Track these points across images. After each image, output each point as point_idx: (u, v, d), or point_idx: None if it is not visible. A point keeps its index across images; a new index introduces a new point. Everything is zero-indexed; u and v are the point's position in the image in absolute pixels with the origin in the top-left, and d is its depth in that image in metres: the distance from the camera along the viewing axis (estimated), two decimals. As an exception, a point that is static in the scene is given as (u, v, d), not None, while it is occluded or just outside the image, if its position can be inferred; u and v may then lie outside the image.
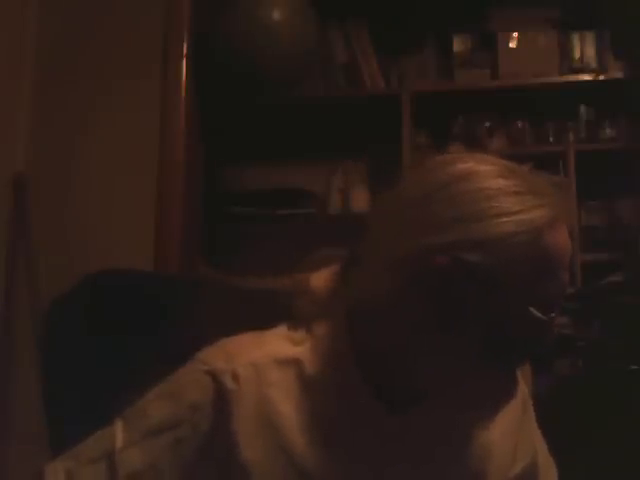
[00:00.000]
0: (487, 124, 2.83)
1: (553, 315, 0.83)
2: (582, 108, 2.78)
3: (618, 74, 2.72)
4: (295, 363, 0.88)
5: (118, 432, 0.88)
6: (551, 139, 2.80)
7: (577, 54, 2.79)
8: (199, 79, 2.44)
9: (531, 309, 0.80)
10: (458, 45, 2.86)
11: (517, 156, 3.01)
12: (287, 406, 0.86)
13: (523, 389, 1.01)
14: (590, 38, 2.80)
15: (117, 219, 2.24)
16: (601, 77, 2.71)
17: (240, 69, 2.51)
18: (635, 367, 1.97)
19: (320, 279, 0.93)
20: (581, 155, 2.66)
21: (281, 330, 0.93)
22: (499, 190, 0.80)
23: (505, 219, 0.79)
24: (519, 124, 2.82)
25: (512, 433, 0.97)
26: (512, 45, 2.81)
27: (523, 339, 0.83)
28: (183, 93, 2.33)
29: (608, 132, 2.75)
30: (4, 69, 2.18)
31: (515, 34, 2.80)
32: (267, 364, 0.88)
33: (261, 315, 1.00)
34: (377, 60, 2.84)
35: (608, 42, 2.78)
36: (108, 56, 2.31)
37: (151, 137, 2.27)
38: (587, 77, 2.73)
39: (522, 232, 0.78)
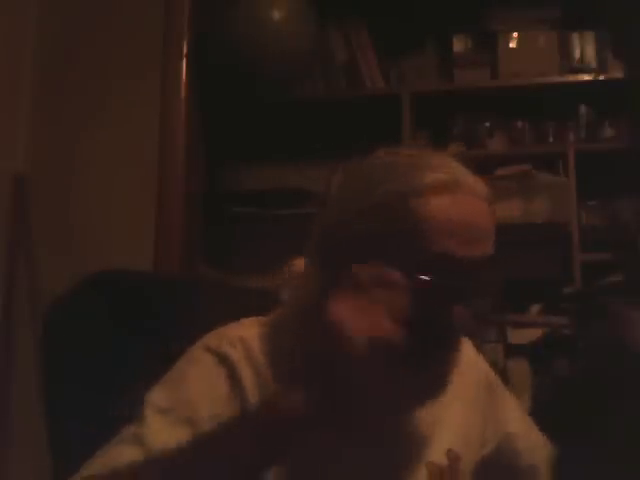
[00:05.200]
0: (487, 124, 2.83)
1: (428, 279, 0.82)
2: (582, 108, 2.78)
3: (618, 74, 2.71)
4: (267, 340, 0.95)
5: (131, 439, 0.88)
6: (551, 139, 2.80)
7: (577, 54, 2.79)
8: (199, 79, 2.44)
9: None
10: (458, 45, 2.86)
11: (517, 156, 3.04)
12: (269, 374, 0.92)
13: (486, 372, 1.09)
14: (590, 38, 2.79)
15: (117, 219, 2.24)
16: (601, 77, 2.71)
17: (240, 69, 2.51)
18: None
19: None
20: (581, 155, 2.66)
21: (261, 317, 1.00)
22: (389, 164, 0.89)
23: (379, 188, 0.86)
24: (519, 124, 2.82)
25: (472, 414, 1.03)
26: (512, 45, 2.81)
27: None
28: (183, 93, 2.33)
29: (608, 132, 2.75)
30: (4, 69, 2.18)
31: (515, 34, 2.80)
32: (251, 338, 0.94)
33: (260, 315, 1.00)
34: (377, 60, 2.84)
35: (608, 42, 2.78)
36: (108, 56, 2.31)
37: (151, 137, 2.27)
38: (587, 77, 2.72)
39: (390, 200, 0.85)
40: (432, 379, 0.89)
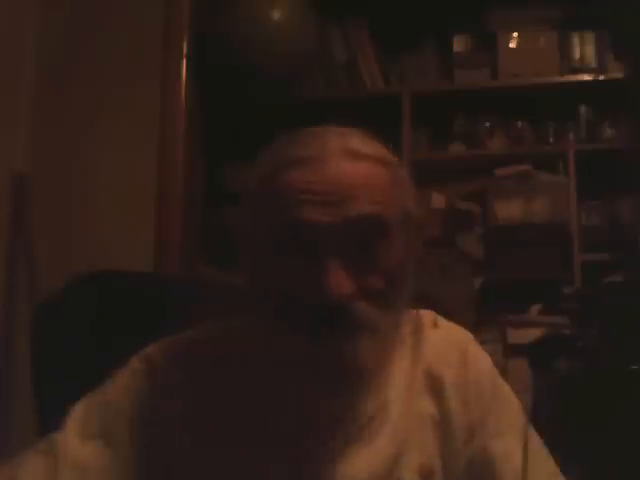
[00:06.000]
0: (487, 124, 2.83)
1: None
2: (582, 108, 2.79)
3: (618, 74, 2.72)
4: (211, 342, 0.93)
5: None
6: (551, 139, 2.81)
7: (577, 54, 2.80)
8: (199, 79, 2.44)
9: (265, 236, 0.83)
10: (458, 45, 2.87)
11: (517, 156, 3.05)
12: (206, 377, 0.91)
13: (479, 376, 0.95)
14: (590, 38, 2.80)
15: (117, 219, 2.24)
16: (601, 77, 2.72)
17: (240, 69, 2.51)
18: (635, 367, 1.97)
19: None
20: (581, 155, 2.66)
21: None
22: (282, 142, 0.91)
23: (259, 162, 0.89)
24: (519, 124, 2.83)
25: (452, 419, 0.91)
26: (512, 45, 2.82)
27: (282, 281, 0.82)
28: (183, 93, 2.33)
29: (608, 132, 2.76)
30: (4, 69, 2.18)
31: (515, 34, 2.81)
32: (196, 342, 0.94)
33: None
34: (377, 60, 2.84)
35: (608, 42, 2.78)
36: (108, 56, 2.31)
37: (151, 137, 2.27)
38: (587, 77, 2.73)
39: (262, 173, 0.87)
40: (327, 360, 0.81)
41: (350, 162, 0.84)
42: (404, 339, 0.94)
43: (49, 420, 1.03)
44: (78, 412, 0.89)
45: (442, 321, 0.99)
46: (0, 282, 2.14)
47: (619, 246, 2.61)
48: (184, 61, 2.34)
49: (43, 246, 2.20)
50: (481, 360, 0.96)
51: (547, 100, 2.76)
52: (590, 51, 2.79)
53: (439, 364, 0.94)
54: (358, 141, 0.88)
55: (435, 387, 0.92)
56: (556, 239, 2.63)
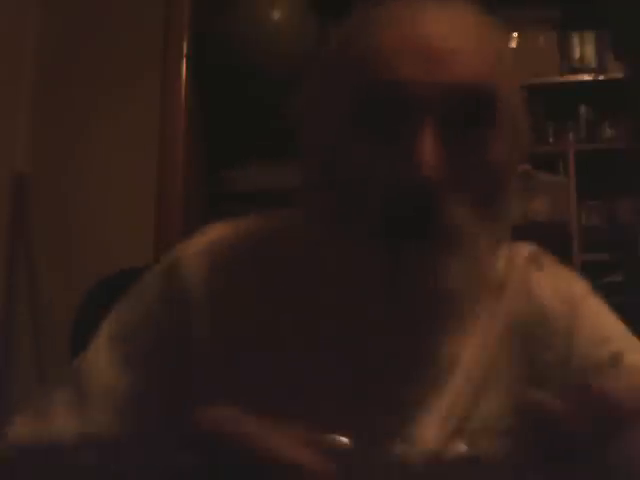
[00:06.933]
0: (487, 124, 2.83)
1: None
2: (582, 108, 2.79)
3: (618, 74, 2.72)
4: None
5: None
6: (551, 139, 2.81)
7: (577, 54, 2.80)
8: (199, 79, 2.44)
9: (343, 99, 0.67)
10: (458, 45, 2.87)
11: (517, 156, 3.01)
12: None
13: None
14: (590, 38, 2.80)
15: (117, 219, 2.24)
16: (601, 77, 2.72)
17: (240, 69, 2.51)
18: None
19: None
20: (581, 155, 2.66)
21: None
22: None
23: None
24: (519, 124, 2.83)
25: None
26: (512, 45, 2.82)
27: (360, 169, 0.65)
28: (183, 93, 2.33)
29: (608, 132, 2.76)
30: (4, 69, 2.18)
31: (515, 34, 2.81)
32: (225, 242, 0.84)
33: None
34: (377, 60, 2.84)
35: (608, 42, 2.78)
36: (108, 56, 2.31)
37: (151, 137, 2.27)
38: (587, 77, 2.73)
39: (346, 34, 0.75)
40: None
41: (457, 25, 0.67)
42: (497, 276, 0.76)
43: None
44: (105, 331, 0.76)
45: (548, 261, 0.81)
46: (0, 282, 2.14)
47: (619, 246, 2.61)
48: (184, 61, 2.34)
49: (43, 246, 2.20)
50: (599, 321, 0.78)
51: (547, 100, 2.76)
52: (590, 51, 2.79)
53: (535, 320, 0.74)
54: (465, 8, 0.70)
55: (526, 349, 0.73)
56: (556, 239, 2.63)
